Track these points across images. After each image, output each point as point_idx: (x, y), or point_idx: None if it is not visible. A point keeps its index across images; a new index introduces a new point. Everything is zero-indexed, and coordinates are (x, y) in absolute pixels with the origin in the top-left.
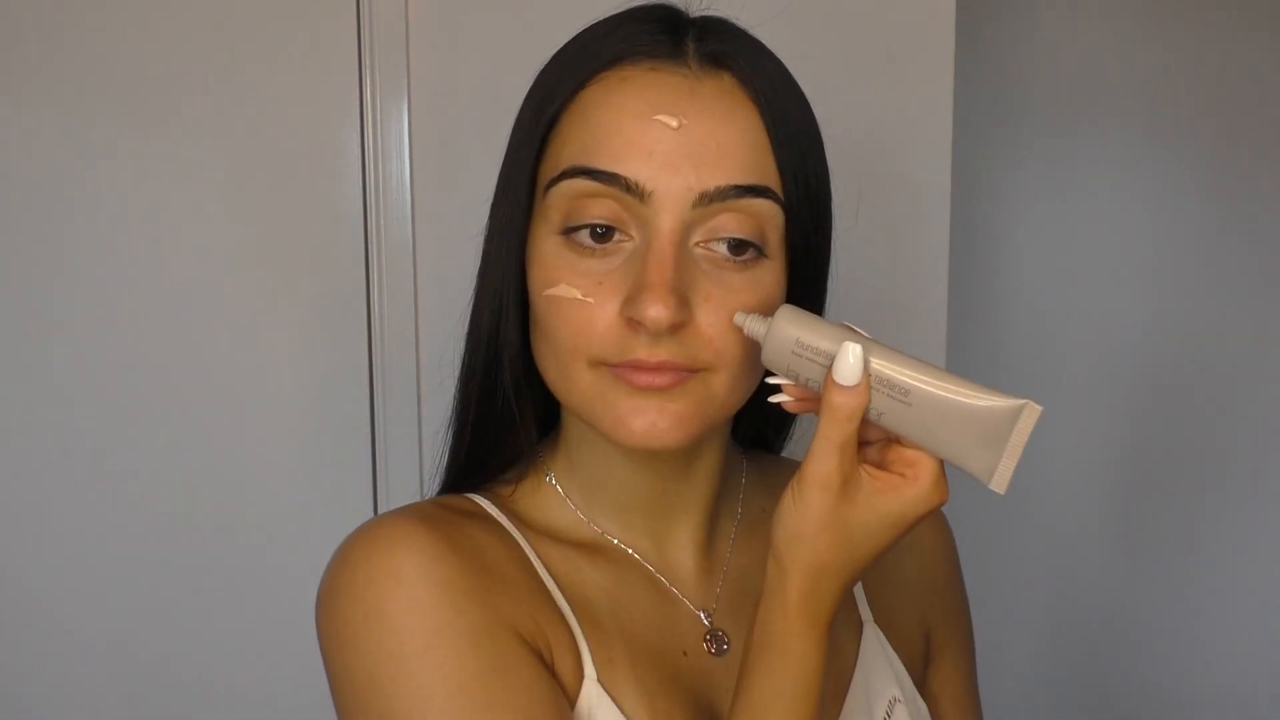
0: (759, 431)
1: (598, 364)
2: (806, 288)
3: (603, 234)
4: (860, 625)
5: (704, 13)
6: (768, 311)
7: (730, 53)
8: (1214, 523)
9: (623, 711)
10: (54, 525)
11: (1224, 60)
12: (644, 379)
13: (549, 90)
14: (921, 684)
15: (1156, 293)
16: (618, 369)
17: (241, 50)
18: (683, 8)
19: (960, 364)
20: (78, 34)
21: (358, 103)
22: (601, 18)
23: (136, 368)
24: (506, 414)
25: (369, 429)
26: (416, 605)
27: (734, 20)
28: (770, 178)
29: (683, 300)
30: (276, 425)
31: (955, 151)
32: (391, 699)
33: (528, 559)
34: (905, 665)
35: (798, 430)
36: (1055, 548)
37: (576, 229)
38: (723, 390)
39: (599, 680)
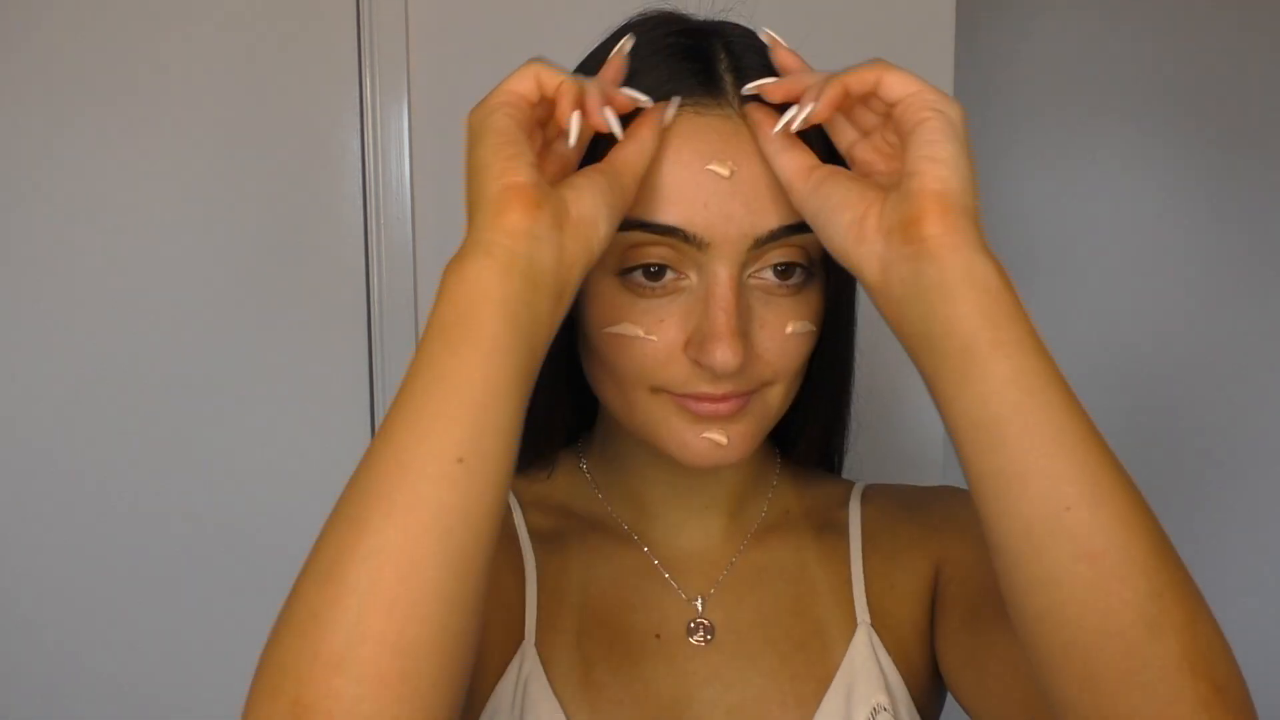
0: (813, 447)
1: (659, 390)
2: (842, 295)
3: (657, 272)
4: (854, 627)
5: (720, 16)
6: (816, 324)
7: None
8: (1216, 517)
9: (548, 675)
10: (51, 524)
11: (1226, 55)
12: (708, 409)
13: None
14: (927, 688)
15: (1157, 287)
16: (680, 398)
17: (241, 50)
18: (693, 13)
19: None
20: (77, 34)
21: (358, 103)
22: (611, 32)
23: (136, 367)
24: (551, 421)
25: (369, 429)
26: None
27: (746, 23)
28: None
29: (746, 340)
30: (276, 425)
31: None
32: None
33: (514, 529)
34: (905, 675)
35: (871, 452)
36: None
37: (632, 269)
38: (778, 400)
39: (535, 643)
